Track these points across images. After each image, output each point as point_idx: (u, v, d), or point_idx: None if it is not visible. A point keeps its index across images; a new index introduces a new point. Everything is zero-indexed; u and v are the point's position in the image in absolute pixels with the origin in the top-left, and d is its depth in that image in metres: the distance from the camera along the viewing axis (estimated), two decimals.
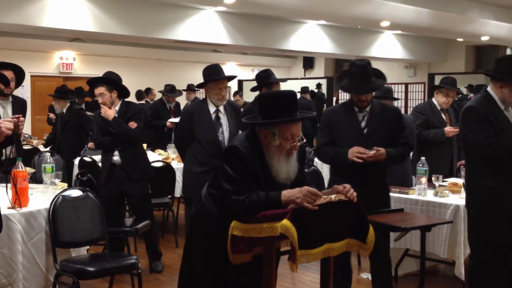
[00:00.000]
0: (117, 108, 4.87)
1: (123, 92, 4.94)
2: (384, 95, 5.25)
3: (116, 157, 4.84)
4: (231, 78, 4.82)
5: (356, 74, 3.79)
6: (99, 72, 15.29)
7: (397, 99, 5.82)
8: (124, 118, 4.83)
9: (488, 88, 3.55)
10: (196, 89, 10.03)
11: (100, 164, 6.02)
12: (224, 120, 4.67)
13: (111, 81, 4.85)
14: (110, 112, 4.79)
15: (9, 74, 4.84)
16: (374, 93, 4.07)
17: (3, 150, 4.70)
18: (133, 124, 4.83)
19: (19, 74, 4.96)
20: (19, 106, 5.08)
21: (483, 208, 3.47)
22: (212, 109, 4.65)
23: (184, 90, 9.73)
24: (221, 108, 4.67)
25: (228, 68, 15.39)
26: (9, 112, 4.98)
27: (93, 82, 4.93)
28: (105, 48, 13.11)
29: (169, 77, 12.77)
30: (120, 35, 9.66)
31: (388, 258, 3.98)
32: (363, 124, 3.83)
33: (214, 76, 4.59)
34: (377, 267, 3.85)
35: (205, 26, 10.29)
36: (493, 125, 3.41)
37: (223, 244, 2.72)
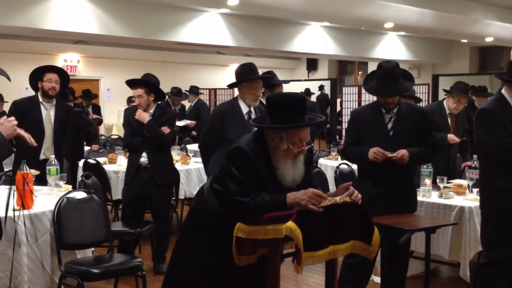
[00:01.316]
0: (151, 111, 4.91)
1: (160, 96, 4.99)
2: (408, 94, 5.13)
3: (144, 159, 4.89)
4: (267, 78, 4.63)
5: (384, 76, 3.77)
6: (103, 74, 15.41)
7: (419, 99, 5.61)
8: (157, 122, 4.87)
9: (502, 90, 3.57)
10: (200, 91, 10.04)
11: (105, 166, 6.06)
12: None
13: (151, 84, 4.88)
14: (144, 115, 4.83)
15: (53, 77, 5.03)
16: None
17: (41, 149, 4.86)
18: (166, 129, 4.88)
19: (64, 77, 5.10)
20: (62, 111, 5.17)
21: (496, 208, 3.52)
22: (245, 109, 4.43)
23: (186, 91, 9.72)
24: (252, 108, 4.48)
25: (232, 70, 15.40)
26: (52, 115, 5.10)
27: (133, 83, 4.94)
28: (109, 50, 13.14)
29: (173, 79, 12.78)
30: (124, 37, 9.67)
31: (406, 261, 3.95)
32: (389, 126, 3.81)
33: (249, 75, 4.36)
34: (384, 268, 3.84)
35: (208, 28, 10.30)
36: (506, 127, 3.42)
37: (222, 240, 2.72)
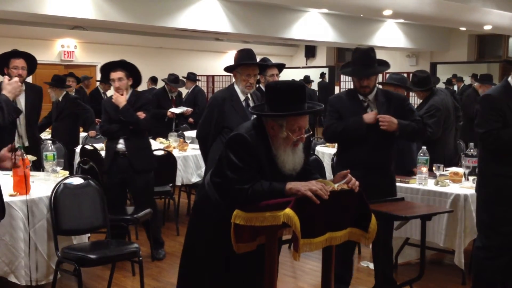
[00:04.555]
0: (127, 96, 4.83)
1: (137, 82, 4.92)
2: (398, 83, 5.05)
3: (121, 145, 4.82)
4: (263, 65, 4.57)
5: (359, 59, 3.81)
6: (100, 60, 15.28)
7: (411, 89, 5.42)
8: (133, 107, 4.79)
9: (509, 78, 3.56)
10: (197, 78, 9.98)
11: (102, 152, 6.04)
12: None
13: (130, 66, 4.80)
14: (121, 99, 4.75)
15: (20, 62, 4.86)
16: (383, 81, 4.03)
17: (15, 139, 4.79)
18: (141, 114, 4.80)
19: (31, 62, 4.97)
20: (32, 94, 5.08)
21: (491, 194, 3.54)
22: (241, 96, 4.33)
23: (183, 77, 9.67)
24: (248, 95, 4.37)
25: (230, 57, 15.34)
26: (22, 101, 5.01)
27: (112, 65, 4.81)
28: (107, 36, 13.08)
29: (170, 65, 12.75)
30: (122, 23, 9.63)
31: (390, 247, 3.99)
32: (368, 111, 3.83)
33: (244, 60, 4.23)
34: (379, 256, 3.86)
35: (206, 14, 10.25)
36: (506, 115, 3.44)
37: (226, 233, 2.72)
